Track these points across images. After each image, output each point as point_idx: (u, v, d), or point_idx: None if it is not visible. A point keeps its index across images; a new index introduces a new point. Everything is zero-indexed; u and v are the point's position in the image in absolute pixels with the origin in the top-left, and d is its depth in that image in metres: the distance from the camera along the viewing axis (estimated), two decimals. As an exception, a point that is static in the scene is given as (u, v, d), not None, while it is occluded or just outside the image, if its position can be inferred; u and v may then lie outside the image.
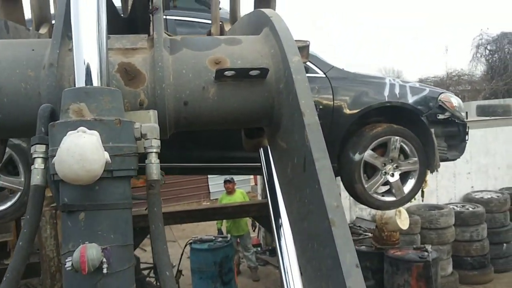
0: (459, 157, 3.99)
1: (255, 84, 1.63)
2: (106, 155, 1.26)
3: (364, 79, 3.81)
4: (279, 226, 1.76)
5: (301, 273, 1.59)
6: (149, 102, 1.58)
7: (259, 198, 9.82)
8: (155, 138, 1.44)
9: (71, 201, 1.30)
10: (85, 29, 1.45)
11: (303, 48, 1.87)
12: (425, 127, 3.67)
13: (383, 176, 3.62)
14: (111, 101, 1.38)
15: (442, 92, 3.86)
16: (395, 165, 3.63)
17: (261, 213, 5.06)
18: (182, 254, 6.22)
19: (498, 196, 8.31)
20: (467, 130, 3.89)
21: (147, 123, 1.50)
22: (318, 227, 1.27)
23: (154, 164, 1.44)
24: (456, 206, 8.12)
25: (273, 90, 1.63)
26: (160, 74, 1.58)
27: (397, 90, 3.69)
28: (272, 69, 1.63)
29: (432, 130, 3.66)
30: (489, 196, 8.35)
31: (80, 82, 1.41)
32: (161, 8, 1.85)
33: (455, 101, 3.81)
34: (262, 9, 1.92)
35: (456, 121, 3.77)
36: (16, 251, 1.36)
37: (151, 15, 1.89)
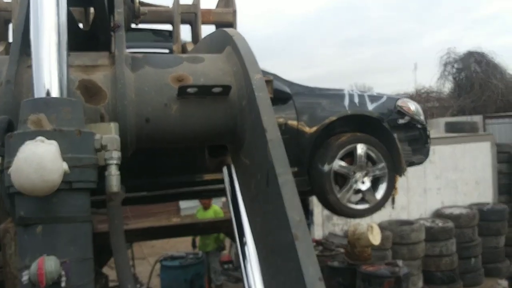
0: (424, 160, 4.09)
1: (217, 101, 1.64)
2: (65, 165, 1.22)
3: (323, 92, 3.87)
4: (243, 244, 1.74)
5: None
6: (110, 119, 1.56)
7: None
8: (116, 150, 1.41)
9: (27, 214, 1.26)
10: (45, 46, 1.42)
11: (267, 83, 1.85)
12: (388, 132, 3.74)
13: (354, 185, 3.63)
14: (71, 111, 1.36)
15: (399, 98, 3.97)
16: (365, 172, 3.65)
17: (232, 229, 4.98)
18: (151, 272, 6.06)
19: (467, 212, 8.46)
20: (428, 133, 3.99)
21: (108, 134, 1.48)
22: (281, 241, 1.27)
23: (114, 176, 1.41)
24: (427, 222, 8.22)
25: (235, 107, 1.65)
26: (122, 91, 1.57)
27: (356, 100, 3.74)
28: (235, 87, 1.65)
29: (395, 135, 3.73)
30: (458, 212, 8.49)
31: (36, 66, 1.40)
32: (122, 26, 1.83)
33: (412, 105, 3.90)
34: (225, 29, 1.94)
35: (417, 125, 3.86)
36: None
37: (112, 32, 1.88)
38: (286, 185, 1.28)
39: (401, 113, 3.77)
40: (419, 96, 20.29)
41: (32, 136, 1.24)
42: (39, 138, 1.22)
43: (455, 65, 21.39)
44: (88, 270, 1.34)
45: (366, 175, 3.64)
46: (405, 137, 3.86)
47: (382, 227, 7.25)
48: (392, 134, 3.72)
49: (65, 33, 1.47)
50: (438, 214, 8.65)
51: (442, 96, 21.67)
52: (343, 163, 3.59)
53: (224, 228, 5.31)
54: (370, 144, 3.65)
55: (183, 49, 2.78)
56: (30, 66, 1.47)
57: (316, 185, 3.63)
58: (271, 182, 1.33)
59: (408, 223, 7.89)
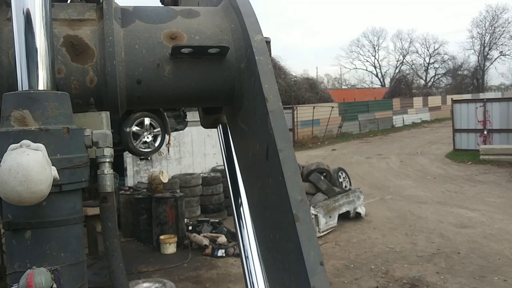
0: (183, 129, 8.29)
1: (214, 62, 1.47)
2: (54, 171, 1.11)
3: None
4: (238, 206, 1.68)
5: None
6: (98, 80, 1.41)
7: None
8: (108, 147, 1.31)
9: (16, 219, 1.16)
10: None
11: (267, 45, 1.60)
12: (162, 112, 7.62)
13: (143, 139, 7.50)
14: (58, 107, 1.21)
15: None
16: (148, 132, 7.55)
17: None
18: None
19: (230, 167, 13.17)
20: (186, 113, 8.16)
21: (99, 127, 1.40)
22: (280, 219, 1.19)
23: (107, 175, 1.31)
24: (204, 174, 12.59)
25: (233, 69, 1.48)
26: (111, 49, 1.39)
27: None
28: (233, 47, 1.48)
29: (165, 113, 7.69)
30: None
31: (20, 57, 1.23)
32: None
33: None
34: None
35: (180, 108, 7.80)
36: None
37: None
38: (287, 161, 1.18)
39: None
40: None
41: (16, 137, 1.13)
42: (24, 142, 1.09)
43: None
44: (81, 273, 1.25)
45: (149, 134, 7.57)
46: (172, 115, 7.99)
47: (174, 177, 11.31)
48: (164, 113, 7.71)
49: None
50: (213, 170, 13.13)
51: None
52: (137, 128, 7.43)
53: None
54: (152, 118, 7.56)
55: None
56: (10, 19, 1.33)
57: (124, 140, 7.40)
58: (271, 156, 1.23)
59: (191, 174, 12.12)
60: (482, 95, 41.10)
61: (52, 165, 1.12)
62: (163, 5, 2.52)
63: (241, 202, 1.68)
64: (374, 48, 64.90)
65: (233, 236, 9.55)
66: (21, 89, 1.24)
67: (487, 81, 57.34)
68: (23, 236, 1.17)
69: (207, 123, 2.00)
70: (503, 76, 65.01)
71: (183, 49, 1.43)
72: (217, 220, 10.52)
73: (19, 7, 1.22)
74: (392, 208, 12.18)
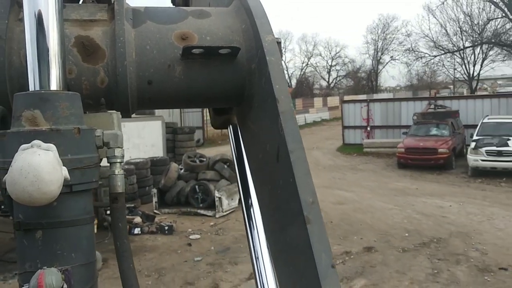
0: None
1: (225, 63, 1.46)
2: (65, 171, 1.11)
3: None
4: (249, 207, 1.66)
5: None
6: (109, 81, 1.40)
7: None
8: (119, 147, 1.31)
9: (26, 219, 1.16)
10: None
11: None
12: None
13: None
14: (69, 107, 1.22)
15: None
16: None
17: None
18: None
19: (143, 160, 14.41)
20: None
21: (109, 128, 1.38)
22: (291, 221, 1.17)
23: (118, 176, 1.32)
24: (119, 166, 13.85)
25: (244, 70, 1.47)
26: (122, 50, 1.39)
27: None
28: (244, 47, 1.47)
29: None
30: (139, 161, 14.37)
31: (31, 57, 1.24)
32: None
33: None
34: None
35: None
36: None
37: None
38: (298, 162, 1.16)
39: None
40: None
41: (27, 137, 1.13)
42: (35, 142, 1.09)
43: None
44: (92, 273, 1.25)
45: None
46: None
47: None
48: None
49: None
50: (127, 163, 14.36)
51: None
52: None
53: None
54: None
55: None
56: (21, 19, 1.33)
57: None
58: (282, 158, 1.21)
59: (106, 166, 13.28)
60: (376, 96, 45.70)
61: (63, 166, 1.11)
62: (174, 6, 2.53)
63: (251, 203, 1.65)
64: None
65: (147, 218, 10.99)
66: (32, 89, 1.23)
67: (380, 83, 63.26)
68: (34, 236, 1.16)
69: (217, 124, 1.95)
70: (394, 79, 72.07)
71: (194, 50, 1.41)
72: (132, 205, 11.83)
73: (31, 7, 1.23)
74: (286, 192, 14.33)
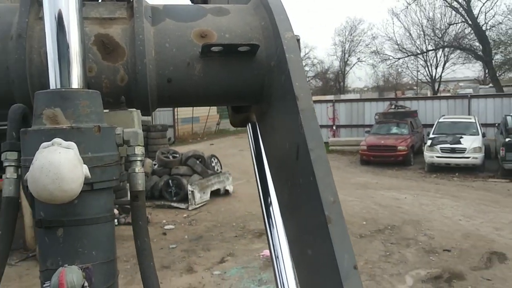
0: None
1: (244, 61, 1.45)
2: (85, 169, 1.11)
3: None
4: (268, 205, 1.64)
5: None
6: (129, 79, 1.40)
7: None
8: (139, 145, 1.31)
9: (48, 216, 1.17)
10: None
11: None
12: None
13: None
14: (89, 105, 1.23)
15: None
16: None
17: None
18: None
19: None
20: None
21: (129, 126, 1.39)
22: (312, 221, 1.15)
23: (138, 174, 1.31)
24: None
25: (263, 68, 1.46)
26: (141, 48, 1.39)
27: None
28: (263, 45, 1.45)
29: None
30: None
31: (52, 56, 1.25)
32: None
33: None
34: None
35: None
36: None
37: None
38: (319, 161, 1.14)
39: None
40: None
41: (47, 134, 1.14)
42: (56, 140, 1.10)
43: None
44: (112, 271, 1.25)
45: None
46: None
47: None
48: None
49: None
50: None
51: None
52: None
53: None
54: None
55: None
56: (42, 17, 1.32)
57: None
58: (302, 156, 1.19)
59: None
60: (343, 96, 47.02)
61: (84, 164, 1.10)
62: (192, 3, 2.56)
63: (271, 201, 1.64)
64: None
65: (123, 210, 11.56)
66: (53, 88, 1.23)
67: (348, 84, 64.89)
68: (55, 234, 1.16)
69: (236, 122, 1.92)
70: (361, 80, 73.99)
71: (213, 48, 1.40)
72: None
73: (51, 6, 1.23)
74: (255, 187, 14.99)
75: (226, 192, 13.86)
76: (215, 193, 13.49)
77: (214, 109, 33.10)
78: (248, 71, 1.45)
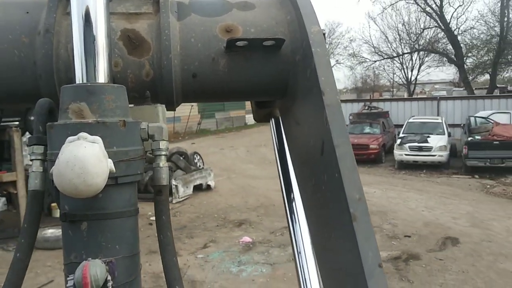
0: None
1: (269, 55, 1.44)
2: (110, 164, 1.11)
3: None
4: (291, 200, 1.62)
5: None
6: (154, 74, 1.40)
7: None
8: (164, 140, 1.30)
9: (72, 210, 1.17)
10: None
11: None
12: None
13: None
14: (115, 100, 1.22)
15: None
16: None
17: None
18: None
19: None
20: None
21: (154, 120, 1.40)
22: (336, 218, 1.12)
23: (163, 168, 1.31)
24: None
25: (288, 62, 1.45)
26: (167, 43, 1.39)
27: None
28: (288, 39, 1.43)
29: None
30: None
31: (78, 50, 1.25)
32: None
33: None
34: None
35: None
36: (12, 263, 1.25)
37: None
38: (344, 157, 1.10)
39: None
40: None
41: (73, 129, 1.14)
42: (81, 135, 1.10)
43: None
44: (135, 265, 1.25)
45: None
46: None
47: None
48: None
49: None
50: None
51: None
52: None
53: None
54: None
55: None
56: (69, 13, 1.32)
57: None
58: (327, 152, 1.16)
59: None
60: (322, 98, 48.08)
61: (109, 158, 1.10)
62: None
63: (294, 197, 1.59)
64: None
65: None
66: (79, 82, 1.23)
67: (327, 85, 65.95)
68: (79, 228, 1.16)
69: (259, 117, 1.91)
70: (339, 82, 75.49)
71: (238, 42, 1.38)
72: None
73: (79, 1, 1.23)
74: (235, 183, 15.95)
75: (208, 187, 14.67)
76: (198, 188, 14.28)
77: (195, 109, 33.75)
78: (273, 65, 1.44)
